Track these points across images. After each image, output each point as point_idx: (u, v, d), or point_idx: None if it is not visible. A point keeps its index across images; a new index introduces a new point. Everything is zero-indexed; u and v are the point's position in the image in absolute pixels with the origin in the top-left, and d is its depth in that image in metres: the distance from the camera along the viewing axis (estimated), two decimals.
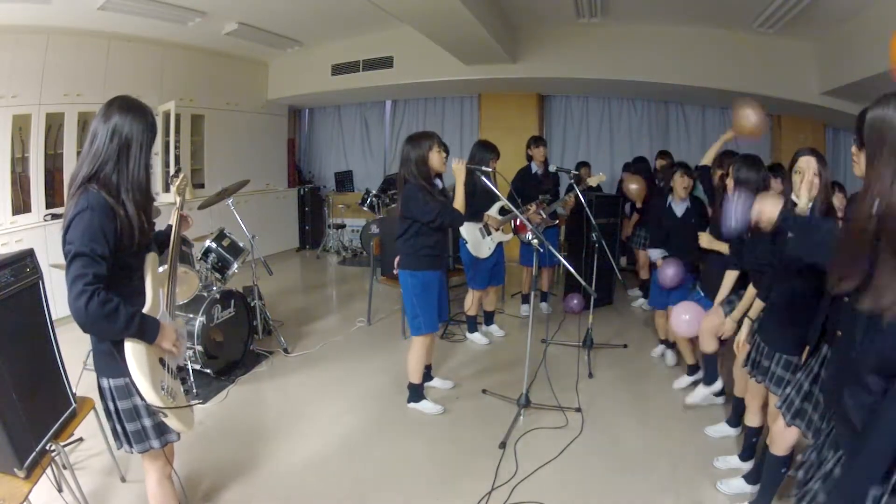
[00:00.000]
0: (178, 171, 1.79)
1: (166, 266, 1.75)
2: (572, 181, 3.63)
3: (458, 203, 2.86)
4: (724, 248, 2.76)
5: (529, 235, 2.69)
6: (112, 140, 1.51)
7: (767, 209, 1.55)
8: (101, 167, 1.50)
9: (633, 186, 4.88)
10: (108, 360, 1.53)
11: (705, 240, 2.92)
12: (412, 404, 3.06)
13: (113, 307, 1.40)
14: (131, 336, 1.47)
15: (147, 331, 1.50)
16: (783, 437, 1.92)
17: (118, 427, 1.61)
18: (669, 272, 3.35)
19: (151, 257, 1.66)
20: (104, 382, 1.57)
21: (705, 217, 3.37)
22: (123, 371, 1.50)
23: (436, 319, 2.95)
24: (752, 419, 2.40)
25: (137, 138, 1.55)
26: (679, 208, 3.44)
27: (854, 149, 1.52)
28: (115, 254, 1.46)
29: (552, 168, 4.12)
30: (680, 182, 3.38)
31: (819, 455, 1.42)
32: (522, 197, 3.88)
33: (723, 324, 2.60)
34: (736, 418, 2.75)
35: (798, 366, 1.91)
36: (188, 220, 1.89)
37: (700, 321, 2.82)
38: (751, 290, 2.38)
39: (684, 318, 2.92)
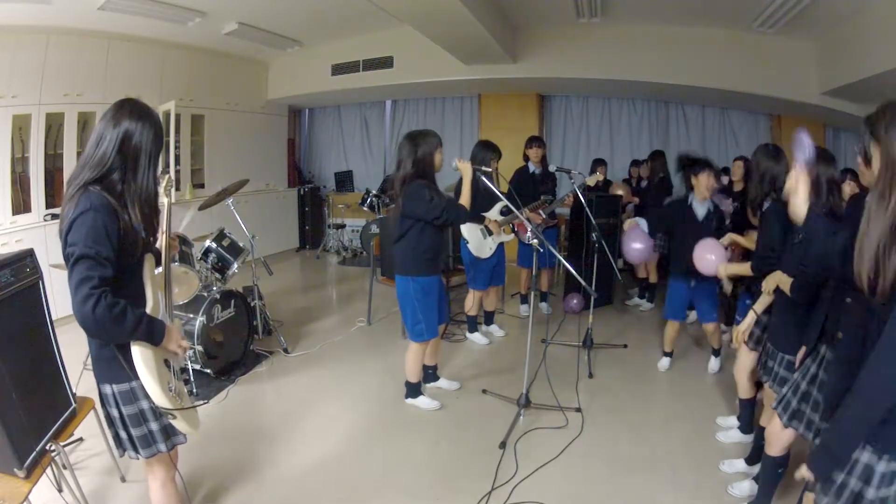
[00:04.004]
0: (164, 172, 1.73)
1: (161, 269, 1.72)
2: (573, 182, 3.62)
3: (465, 200, 2.84)
4: (745, 269, 2.44)
5: (529, 236, 2.68)
6: (121, 148, 1.44)
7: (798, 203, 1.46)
8: (106, 175, 1.44)
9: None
10: (111, 366, 1.50)
11: (727, 239, 2.78)
12: (409, 400, 3.08)
13: (120, 310, 1.35)
14: (139, 339, 1.44)
15: (154, 332, 1.47)
16: (779, 438, 1.92)
17: (123, 433, 1.57)
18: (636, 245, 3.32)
19: (149, 259, 1.62)
20: (107, 389, 1.53)
21: (723, 223, 3.21)
22: (127, 376, 1.49)
23: (436, 324, 2.95)
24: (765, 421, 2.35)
25: (147, 148, 1.48)
26: (701, 209, 3.22)
27: (860, 159, 1.48)
28: (118, 256, 1.41)
29: (552, 168, 4.13)
30: (704, 182, 3.12)
31: None
32: (520, 197, 3.87)
33: (756, 364, 2.36)
34: (746, 425, 2.69)
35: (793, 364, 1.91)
36: (175, 244, 1.86)
37: (723, 262, 2.66)
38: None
39: (709, 258, 2.75)
